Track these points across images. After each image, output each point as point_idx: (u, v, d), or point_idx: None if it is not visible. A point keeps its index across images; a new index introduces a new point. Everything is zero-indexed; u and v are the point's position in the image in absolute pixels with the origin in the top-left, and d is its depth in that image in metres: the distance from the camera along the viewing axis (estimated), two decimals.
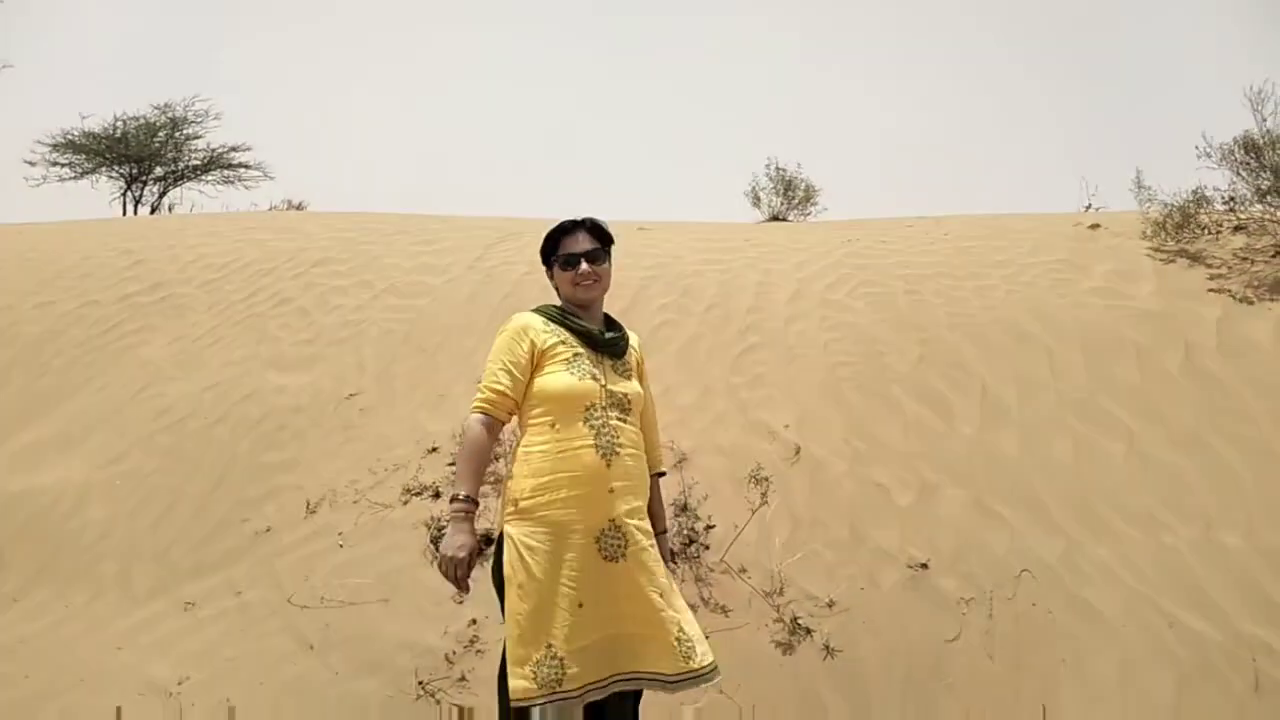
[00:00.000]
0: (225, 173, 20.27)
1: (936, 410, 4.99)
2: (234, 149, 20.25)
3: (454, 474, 4.79)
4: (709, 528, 4.27)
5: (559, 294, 2.84)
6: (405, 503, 4.76)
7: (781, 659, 3.66)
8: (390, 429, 5.42)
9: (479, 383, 2.67)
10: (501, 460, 4.59)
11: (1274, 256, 6.25)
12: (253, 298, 7.42)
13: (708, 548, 4.18)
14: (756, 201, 12.64)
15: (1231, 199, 6.93)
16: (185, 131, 19.86)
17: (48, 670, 4.00)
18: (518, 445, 2.66)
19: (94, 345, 7.03)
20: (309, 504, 4.86)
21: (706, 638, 3.71)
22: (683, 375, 5.57)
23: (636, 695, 2.62)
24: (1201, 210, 6.84)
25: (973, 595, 3.83)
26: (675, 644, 2.48)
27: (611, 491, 2.53)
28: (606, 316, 2.87)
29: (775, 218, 12.24)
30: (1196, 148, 7.01)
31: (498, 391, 2.61)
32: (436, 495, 4.76)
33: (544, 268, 2.87)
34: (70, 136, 19.00)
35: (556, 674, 2.40)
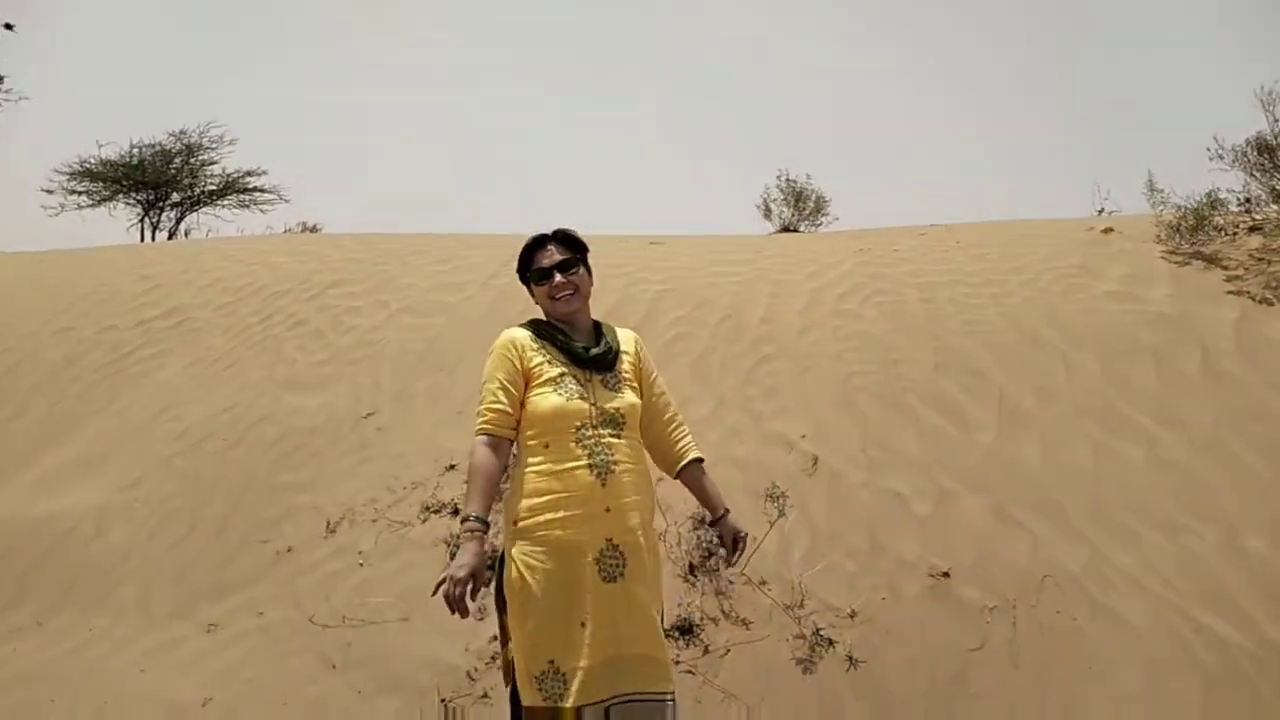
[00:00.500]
0: (241, 197, 20.47)
1: (953, 418, 4.96)
2: (249, 173, 20.45)
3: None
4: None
5: (542, 310, 2.83)
6: (424, 520, 4.77)
7: (804, 670, 3.64)
8: (408, 447, 5.43)
9: (479, 405, 2.67)
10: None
11: None
12: (268, 320, 7.46)
13: (729, 563, 4.16)
14: (767, 213, 12.68)
15: (1247, 200, 6.90)
16: (201, 157, 20.07)
17: (72, 694, 4.02)
18: (514, 465, 2.68)
19: (112, 370, 7.09)
20: (328, 523, 4.88)
21: (728, 651, 3.75)
22: (697, 388, 5.56)
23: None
24: (1216, 212, 6.80)
25: (995, 604, 3.80)
26: (667, 665, 2.54)
27: (608, 511, 2.53)
28: (596, 325, 2.85)
29: (786, 229, 12.25)
30: (1209, 150, 7.01)
31: (497, 410, 2.62)
32: (455, 512, 4.76)
33: (522, 285, 2.88)
34: (87, 165, 19.24)
35: (560, 689, 2.43)
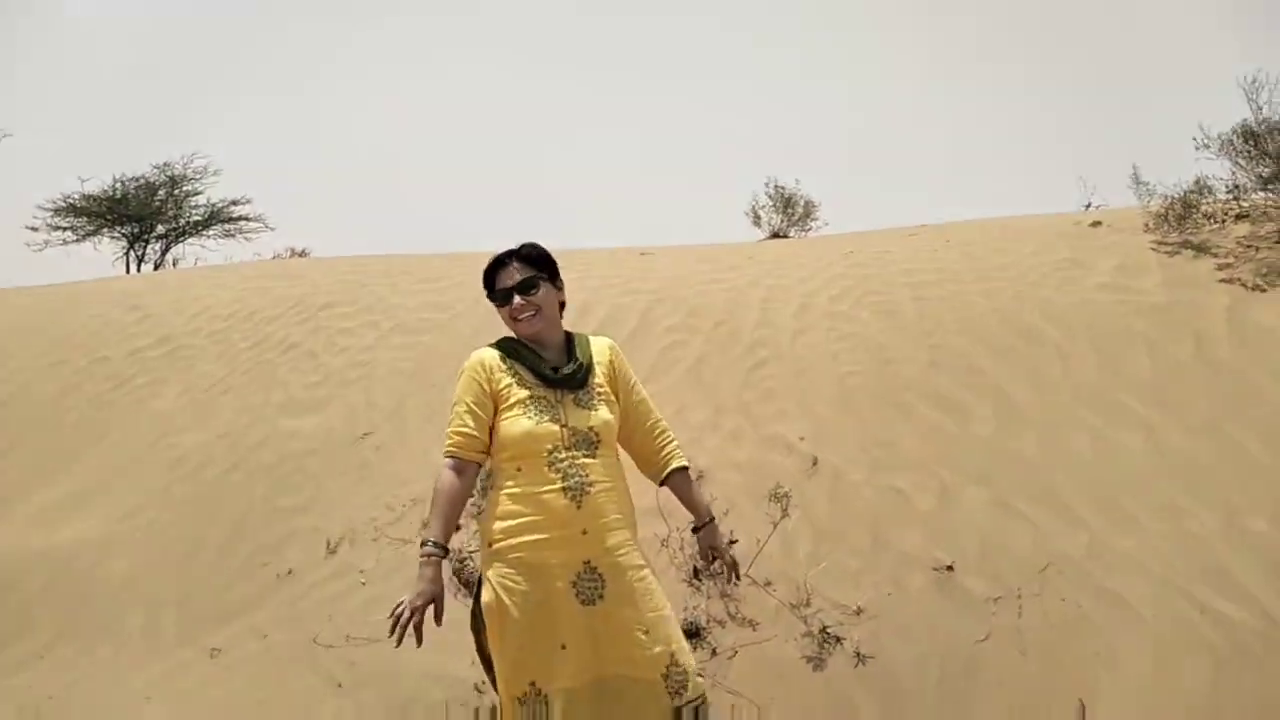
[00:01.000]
0: (226, 226, 20.47)
1: (951, 413, 4.97)
2: (234, 203, 20.47)
3: (471, 505, 4.81)
4: (731, 543, 4.25)
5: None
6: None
7: (813, 669, 3.63)
8: (405, 465, 5.42)
9: (447, 428, 2.62)
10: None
11: (1279, 242, 6.24)
12: (260, 345, 7.45)
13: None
14: (757, 220, 12.72)
15: (1234, 187, 6.94)
16: (185, 189, 20.09)
17: None
18: (489, 487, 2.65)
19: (106, 401, 7.07)
20: (329, 544, 4.86)
21: (735, 653, 3.74)
22: (694, 394, 5.57)
23: None
24: (1203, 200, 6.85)
25: (1000, 594, 3.80)
26: (663, 680, 2.45)
27: (585, 533, 2.49)
28: (569, 338, 2.78)
29: (776, 235, 12.28)
30: (1195, 139, 7.05)
31: (464, 434, 2.57)
32: (457, 527, 4.74)
33: (492, 305, 2.81)
34: (70, 200, 19.24)
35: (543, 711, 2.41)
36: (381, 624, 4.32)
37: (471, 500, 4.90)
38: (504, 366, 2.64)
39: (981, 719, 3.34)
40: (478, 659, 3.79)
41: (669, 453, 2.82)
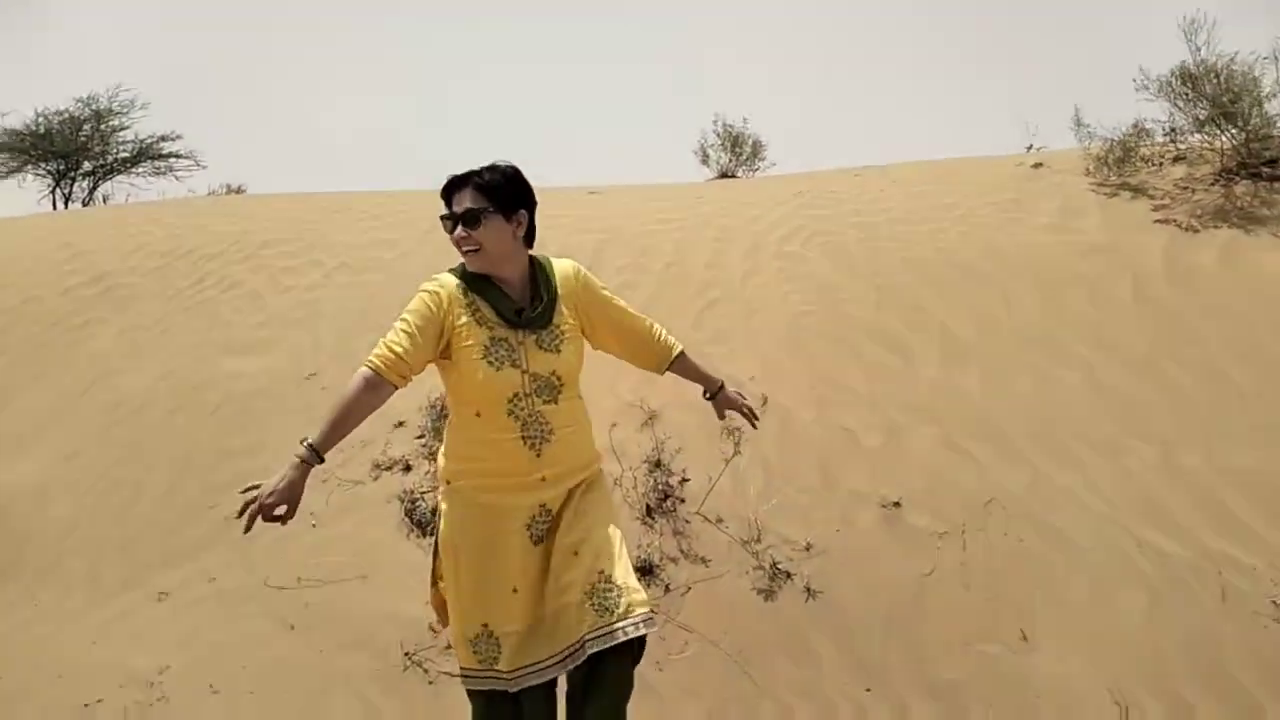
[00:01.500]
0: (156, 163, 19.74)
1: (898, 353, 5.05)
2: (163, 138, 19.69)
3: (422, 446, 4.78)
4: (684, 481, 4.30)
5: None
6: (376, 478, 4.74)
7: (764, 603, 3.71)
8: None
9: (382, 338, 2.41)
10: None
11: (1214, 184, 6.38)
12: (201, 283, 7.27)
13: (684, 500, 4.21)
14: (705, 159, 12.60)
15: (1171, 130, 7.04)
16: (111, 123, 19.29)
17: (22, 668, 3.93)
18: (447, 423, 2.58)
19: (40, 341, 6.86)
20: None
21: (688, 589, 3.80)
22: None
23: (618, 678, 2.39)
24: (1142, 143, 6.95)
25: (945, 529, 3.90)
26: (586, 598, 2.34)
27: (543, 480, 2.44)
28: (533, 268, 2.55)
29: (724, 175, 12.22)
30: (1134, 80, 7.09)
31: (394, 354, 2.35)
32: (408, 469, 4.74)
33: None
34: None
35: (494, 653, 2.40)
36: (334, 565, 4.33)
37: (421, 440, 4.89)
38: (464, 300, 2.44)
39: (928, 650, 3.44)
40: (431, 600, 3.82)
41: (666, 343, 2.74)
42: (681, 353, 2.77)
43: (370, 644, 3.78)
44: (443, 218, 2.49)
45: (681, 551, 3.99)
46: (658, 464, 4.37)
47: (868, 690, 3.34)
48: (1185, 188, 6.44)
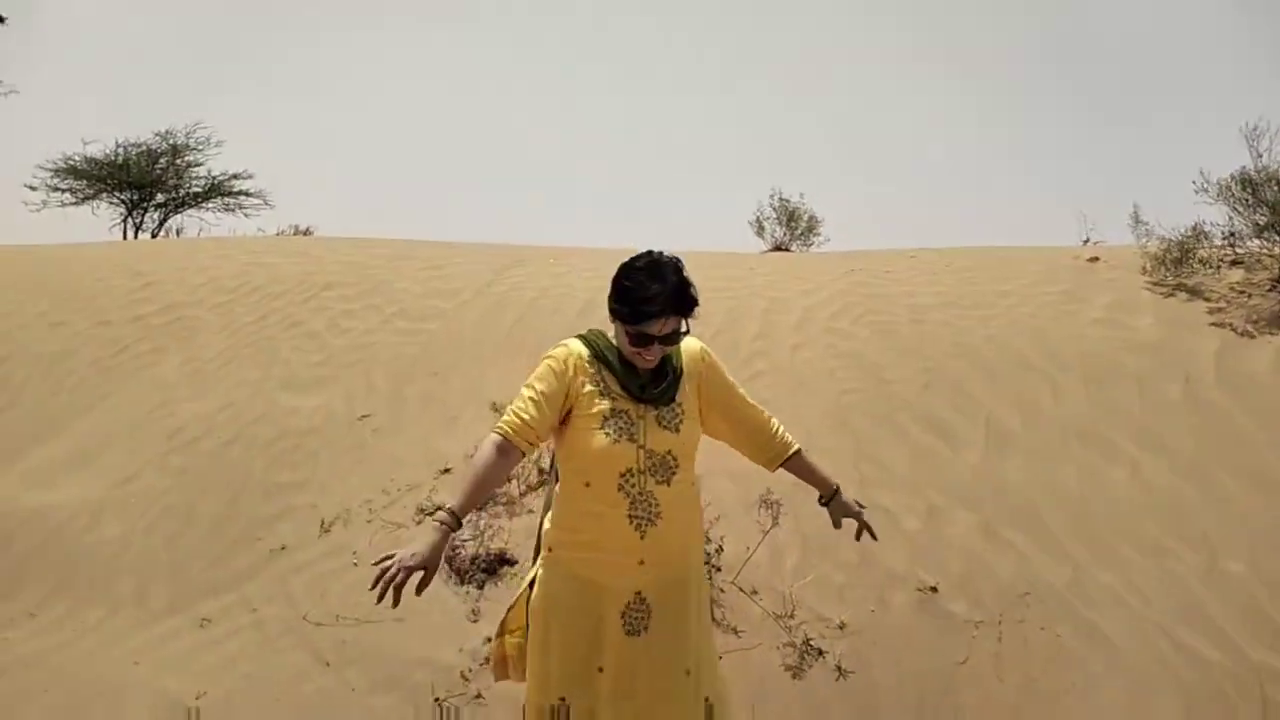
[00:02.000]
0: (226, 200, 20.42)
1: (942, 437, 5.07)
2: (235, 176, 20.41)
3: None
4: (720, 549, 4.33)
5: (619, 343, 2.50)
6: (419, 522, 4.82)
7: (793, 680, 3.71)
8: (402, 450, 5.48)
9: (510, 404, 2.45)
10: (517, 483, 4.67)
11: (1271, 290, 6.36)
12: (264, 320, 7.50)
13: (719, 569, 4.24)
14: (760, 231, 12.78)
15: (1230, 234, 7.05)
16: (186, 158, 20.03)
17: (66, 685, 4.03)
18: (556, 489, 2.57)
19: (106, 365, 7.10)
20: (323, 523, 4.92)
21: (720, 658, 3.81)
22: None
23: None
24: (1199, 245, 6.96)
25: (982, 618, 3.89)
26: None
27: (642, 564, 2.41)
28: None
29: (778, 248, 12.36)
30: (1194, 183, 7.14)
31: (522, 420, 2.37)
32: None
33: (608, 304, 2.49)
34: (72, 162, 19.18)
35: None
36: (372, 606, 4.40)
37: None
38: (590, 369, 2.47)
39: None
40: (466, 647, 3.88)
41: (782, 440, 2.72)
42: (798, 451, 2.74)
43: (402, 685, 3.84)
44: (638, 332, 2.39)
45: (715, 620, 4.01)
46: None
47: None
48: (1242, 292, 6.43)
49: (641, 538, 2.40)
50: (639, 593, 2.42)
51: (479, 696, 3.71)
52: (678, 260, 2.48)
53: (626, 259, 2.51)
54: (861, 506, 2.83)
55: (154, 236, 19.39)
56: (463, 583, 4.34)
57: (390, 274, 8.23)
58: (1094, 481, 4.62)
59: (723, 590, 4.15)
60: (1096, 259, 7.40)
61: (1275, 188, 6.78)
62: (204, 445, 5.81)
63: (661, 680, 2.41)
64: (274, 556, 4.78)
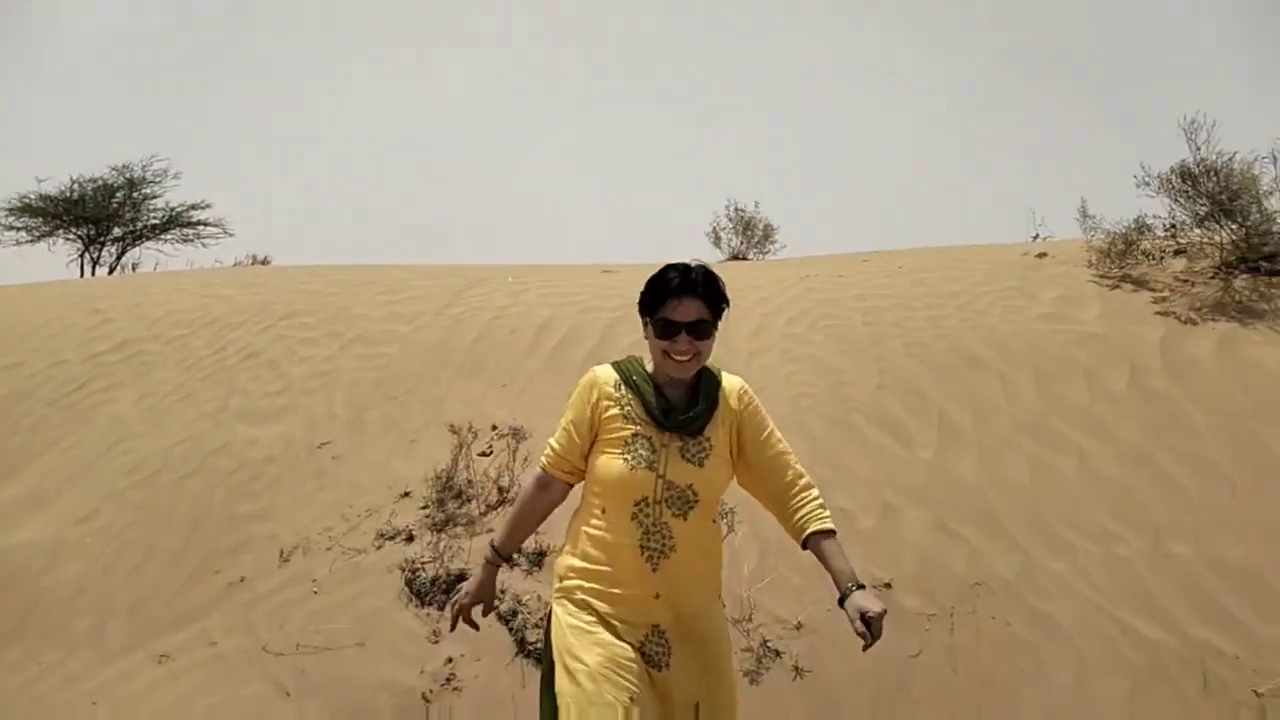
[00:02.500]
0: (185, 231, 20.31)
1: (896, 436, 5.14)
2: (193, 207, 20.33)
3: (426, 517, 4.88)
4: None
5: (651, 355, 2.45)
6: (379, 547, 4.82)
7: (750, 682, 3.75)
8: (362, 475, 5.48)
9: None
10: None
11: (1213, 278, 6.50)
12: (221, 352, 7.47)
13: None
14: (717, 241, 12.89)
15: (1172, 225, 7.19)
16: (143, 191, 19.92)
17: None
18: (575, 513, 2.50)
19: (63, 404, 7.04)
20: (283, 552, 4.90)
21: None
22: None
23: None
24: (1143, 237, 7.10)
25: (935, 612, 3.95)
26: None
27: (657, 598, 2.30)
28: (700, 373, 2.45)
29: (736, 256, 12.46)
30: (1135, 177, 7.28)
31: (555, 451, 2.45)
32: (410, 539, 4.82)
33: (640, 316, 2.45)
34: (27, 200, 19.01)
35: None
36: (332, 632, 4.40)
37: (425, 511, 4.98)
38: (616, 393, 2.41)
39: None
40: (428, 669, 3.89)
41: (807, 514, 2.43)
42: (821, 532, 2.40)
43: (363, 712, 3.83)
44: (662, 321, 2.35)
45: None
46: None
47: None
48: (1185, 281, 6.57)
49: (654, 570, 2.29)
50: (656, 625, 2.31)
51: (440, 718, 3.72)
52: (705, 265, 2.44)
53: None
54: (879, 609, 2.32)
55: (111, 271, 19.24)
56: (423, 605, 4.35)
57: (348, 300, 8.22)
58: (1043, 473, 4.70)
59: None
60: (1044, 254, 7.53)
61: (1214, 179, 6.93)
62: (162, 480, 5.78)
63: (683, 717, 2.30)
64: (233, 588, 4.76)
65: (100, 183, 19.54)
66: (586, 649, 2.26)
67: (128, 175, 19.78)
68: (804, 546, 2.46)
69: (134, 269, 19.19)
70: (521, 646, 3.97)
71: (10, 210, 18.99)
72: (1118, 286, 6.57)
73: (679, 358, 2.35)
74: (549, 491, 2.47)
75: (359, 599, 4.49)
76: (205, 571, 4.92)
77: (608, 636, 2.28)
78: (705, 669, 2.34)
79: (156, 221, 20.10)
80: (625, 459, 2.32)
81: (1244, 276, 6.44)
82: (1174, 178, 7.16)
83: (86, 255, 19.58)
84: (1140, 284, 6.56)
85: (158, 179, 20.07)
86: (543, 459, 2.47)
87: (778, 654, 3.83)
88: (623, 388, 2.42)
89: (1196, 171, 7.00)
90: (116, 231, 19.82)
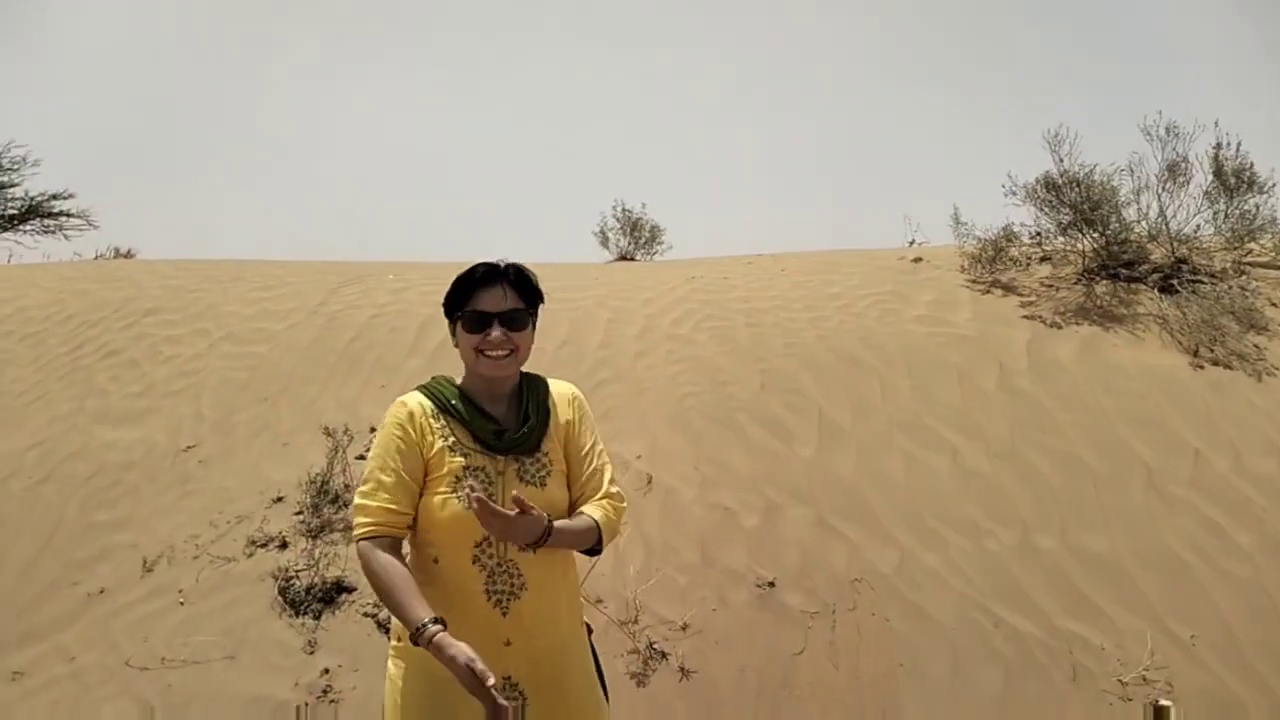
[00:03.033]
0: (45, 222, 19.14)
1: (778, 434, 5.21)
2: (54, 196, 19.13)
3: (300, 523, 4.70)
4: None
5: (463, 361, 2.18)
6: (250, 555, 4.62)
7: (637, 685, 3.73)
8: (231, 480, 5.25)
9: (360, 496, 2.06)
10: None
11: (1076, 283, 6.82)
12: (78, 350, 7.05)
13: None
14: (605, 242, 12.89)
15: (1038, 233, 7.53)
16: None
17: None
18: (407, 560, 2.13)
19: None
20: (145, 562, 4.66)
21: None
22: None
23: None
24: (1012, 244, 7.41)
25: (817, 609, 4.01)
26: None
27: (508, 645, 2.03)
28: (522, 382, 2.23)
29: (624, 257, 12.49)
30: (1003, 186, 7.60)
31: (388, 511, 2.02)
32: (283, 545, 4.64)
33: (447, 321, 2.20)
34: None
35: None
36: (200, 645, 4.20)
37: (300, 517, 4.80)
38: (436, 424, 2.11)
39: None
40: (302, 681, 3.75)
41: (599, 528, 2.14)
42: (594, 551, 2.17)
43: None
44: (472, 313, 2.12)
45: None
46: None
47: None
48: (1050, 286, 6.87)
49: (504, 614, 2.02)
50: (508, 677, 2.02)
51: None
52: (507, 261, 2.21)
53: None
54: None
55: None
56: (298, 614, 4.19)
57: (218, 296, 7.87)
58: (918, 470, 4.84)
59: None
60: (920, 259, 7.77)
61: (1076, 189, 7.28)
62: (13, 486, 5.42)
63: None
64: (92, 600, 4.49)
65: None
66: None
67: None
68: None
69: None
70: None
71: None
72: (988, 291, 6.83)
73: (493, 353, 2.11)
74: (399, 550, 2.03)
75: (228, 609, 4.30)
76: (61, 583, 4.63)
77: (448, 705, 1.97)
78: (569, 714, 2.09)
79: (15, 211, 18.88)
80: (459, 497, 2.01)
81: (1105, 283, 6.78)
82: (1039, 188, 7.49)
83: None
84: (1009, 289, 6.84)
85: (15, 166, 18.84)
86: (373, 528, 2.01)
87: (664, 655, 3.82)
88: (441, 416, 2.12)
89: (1060, 182, 7.34)
90: None
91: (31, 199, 18.98)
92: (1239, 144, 7.30)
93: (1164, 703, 3.47)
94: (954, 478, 4.77)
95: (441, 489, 2.04)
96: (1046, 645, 3.79)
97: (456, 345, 2.18)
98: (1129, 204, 7.21)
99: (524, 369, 2.25)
